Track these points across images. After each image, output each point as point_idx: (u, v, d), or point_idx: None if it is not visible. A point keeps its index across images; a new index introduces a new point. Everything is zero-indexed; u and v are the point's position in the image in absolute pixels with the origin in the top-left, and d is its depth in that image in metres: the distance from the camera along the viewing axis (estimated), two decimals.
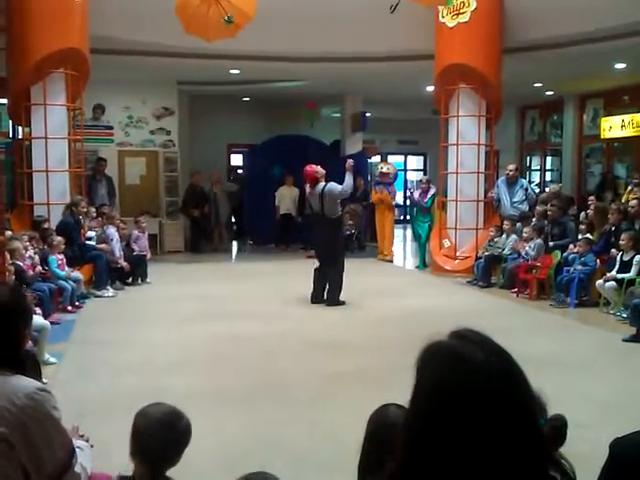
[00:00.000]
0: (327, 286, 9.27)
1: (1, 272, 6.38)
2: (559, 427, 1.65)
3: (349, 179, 9.13)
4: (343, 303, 9.20)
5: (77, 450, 2.22)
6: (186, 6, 7.80)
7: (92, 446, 2.60)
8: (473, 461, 1.16)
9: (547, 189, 15.29)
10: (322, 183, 9.16)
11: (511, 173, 11.93)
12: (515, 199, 11.77)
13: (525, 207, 11.69)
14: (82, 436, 2.60)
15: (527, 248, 10.35)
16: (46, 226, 9.81)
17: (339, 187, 9.11)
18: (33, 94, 10.50)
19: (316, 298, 9.26)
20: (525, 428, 1.19)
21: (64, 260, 9.23)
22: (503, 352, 1.25)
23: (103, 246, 10.50)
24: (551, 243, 10.37)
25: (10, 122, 12.43)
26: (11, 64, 10.34)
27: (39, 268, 8.62)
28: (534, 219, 10.93)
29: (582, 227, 10.14)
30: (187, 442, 2.42)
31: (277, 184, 15.79)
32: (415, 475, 1.20)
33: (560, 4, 10.57)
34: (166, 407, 2.50)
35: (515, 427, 1.18)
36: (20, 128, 11.65)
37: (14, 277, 7.42)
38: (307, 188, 9.43)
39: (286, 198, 15.71)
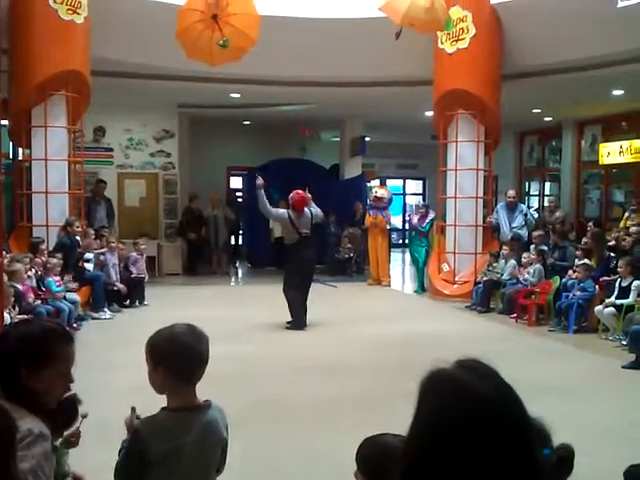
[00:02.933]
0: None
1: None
2: (566, 457, 1.63)
3: (316, 208, 9.42)
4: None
5: None
6: (188, 32, 7.80)
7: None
8: None
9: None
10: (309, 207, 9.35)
11: (510, 199, 12.00)
12: (514, 224, 11.81)
13: (524, 232, 11.72)
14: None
15: (526, 274, 10.35)
16: (43, 247, 9.81)
17: (320, 211, 9.52)
18: (34, 116, 10.54)
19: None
20: (523, 461, 1.18)
21: (61, 282, 9.21)
22: (505, 385, 1.24)
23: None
24: (550, 260, 10.40)
25: (10, 143, 12.46)
26: (12, 86, 10.38)
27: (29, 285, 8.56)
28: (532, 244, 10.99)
29: (578, 253, 10.13)
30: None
31: (276, 207, 15.77)
32: None
33: (558, 31, 10.65)
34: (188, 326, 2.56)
35: (513, 459, 1.17)
36: (20, 149, 11.68)
37: (13, 299, 7.42)
38: (291, 213, 9.27)
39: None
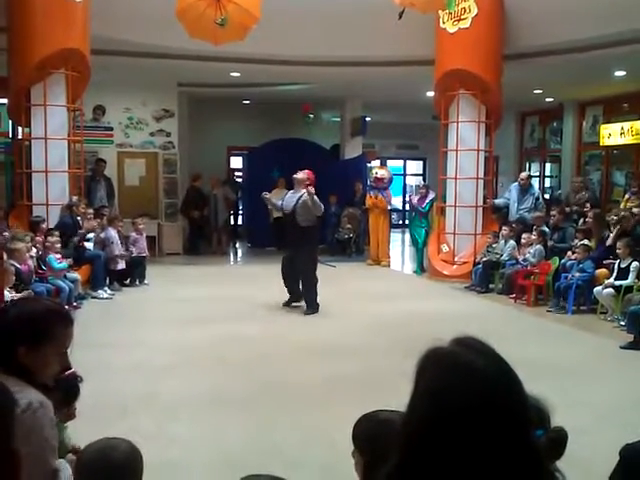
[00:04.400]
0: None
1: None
2: (557, 440, 1.64)
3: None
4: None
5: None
6: (189, 11, 7.70)
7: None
8: (468, 466, 1.16)
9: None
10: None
11: (523, 181, 12.17)
12: (522, 206, 11.86)
13: (529, 216, 11.73)
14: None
15: (527, 254, 10.36)
16: (44, 226, 9.81)
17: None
18: (33, 94, 10.50)
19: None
20: (519, 437, 1.20)
21: (62, 259, 9.23)
22: (502, 361, 1.25)
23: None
24: (550, 242, 10.42)
25: (10, 122, 12.43)
26: (12, 64, 10.34)
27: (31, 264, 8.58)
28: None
29: (578, 234, 10.15)
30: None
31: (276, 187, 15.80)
32: (411, 478, 1.20)
33: (561, 11, 10.58)
34: (103, 441, 2.27)
35: (509, 435, 1.18)
36: (20, 128, 11.65)
37: (14, 277, 7.44)
38: (312, 189, 9.00)
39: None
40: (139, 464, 2.22)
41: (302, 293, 9.23)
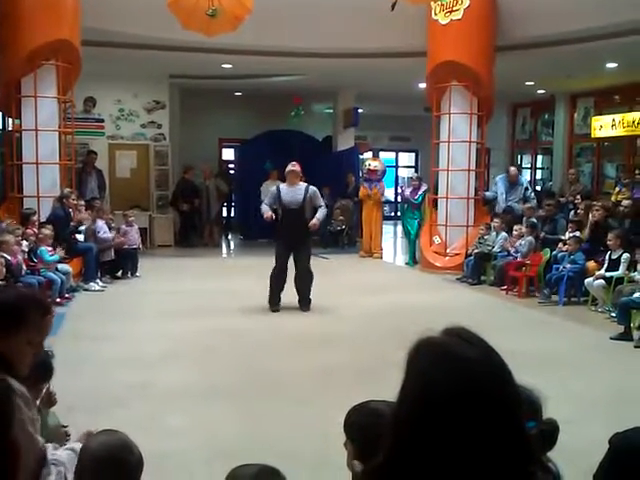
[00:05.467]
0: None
1: None
2: (549, 432, 1.65)
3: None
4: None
5: (56, 460, 2.18)
6: (182, 2, 7.64)
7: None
8: (457, 456, 1.17)
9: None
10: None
11: (512, 175, 12.27)
12: (511, 197, 11.91)
13: (519, 206, 11.78)
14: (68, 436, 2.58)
15: (518, 245, 10.40)
16: (34, 219, 9.78)
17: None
18: (24, 86, 10.44)
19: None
20: (509, 427, 1.21)
21: (53, 252, 9.21)
22: (493, 351, 1.26)
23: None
24: (542, 233, 10.47)
25: (0, 114, 12.36)
26: (2, 55, 10.26)
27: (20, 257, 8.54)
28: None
29: (571, 226, 10.19)
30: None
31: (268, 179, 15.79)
32: (401, 469, 1.21)
33: (553, 3, 10.59)
34: (115, 439, 2.18)
35: (499, 425, 1.19)
36: (10, 120, 11.59)
37: (4, 270, 7.42)
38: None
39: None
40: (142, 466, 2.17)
41: (303, 289, 8.80)
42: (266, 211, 8.66)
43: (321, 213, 8.69)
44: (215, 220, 15.98)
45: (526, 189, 12.13)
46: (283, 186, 8.78)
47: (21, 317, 2.17)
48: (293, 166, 8.77)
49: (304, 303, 8.79)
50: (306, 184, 8.75)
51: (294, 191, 8.65)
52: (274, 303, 8.72)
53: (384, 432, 1.27)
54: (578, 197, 11.72)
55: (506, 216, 11.43)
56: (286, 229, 8.59)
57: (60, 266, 9.26)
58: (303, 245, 8.73)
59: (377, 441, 1.29)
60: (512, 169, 12.63)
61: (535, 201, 11.98)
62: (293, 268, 8.79)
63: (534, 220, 10.81)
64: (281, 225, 8.72)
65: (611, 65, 13.06)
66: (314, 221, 8.58)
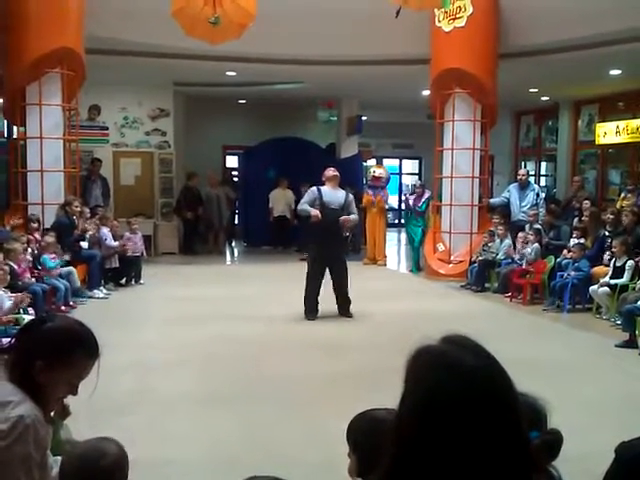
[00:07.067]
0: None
1: None
2: (552, 442, 1.63)
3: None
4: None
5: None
6: (186, 10, 7.69)
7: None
8: (458, 463, 1.16)
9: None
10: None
11: (521, 177, 12.20)
12: (524, 202, 11.83)
13: (532, 212, 11.72)
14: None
15: (525, 251, 10.36)
16: (35, 226, 9.81)
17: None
18: (28, 94, 10.49)
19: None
20: (508, 435, 1.20)
21: (56, 258, 9.22)
22: (492, 359, 1.25)
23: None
24: (545, 239, 10.43)
25: (5, 122, 12.40)
26: (7, 63, 10.32)
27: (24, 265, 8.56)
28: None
29: (575, 232, 10.16)
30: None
31: (272, 186, 15.82)
32: (404, 478, 1.21)
33: (556, 10, 10.58)
34: (87, 447, 2.19)
35: (500, 432, 1.18)
36: (15, 128, 11.63)
37: (9, 277, 7.42)
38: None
39: (280, 200, 15.75)
40: (125, 471, 2.14)
41: (342, 295, 8.92)
42: (312, 210, 8.66)
43: (354, 216, 8.93)
44: (226, 227, 16.01)
45: (537, 195, 12.04)
46: (324, 188, 8.87)
47: (70, 358, 2.15)
48: (334, 171, 8.94)
49: (343, 302, 8.90)
50: (344, 191, 8.93)
51: (335, 194, 8.82)
52: (311, 310, 8.71)
53: (385, 441, 1.27)
54: (586, 202, 11.65)
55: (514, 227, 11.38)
56: (325, 226, 8.57)
57: (63, 269, 9.26)
58: (343, 247, 9.12)
59: (378, 450, 1.28)
60: (521, 171, 12.64)
61: (544, 209, 11.94)
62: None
63: (539, 226, 10.79)
64: (320, 224, 8.65)
65: (615, 72, 13.06)
66: (346, 216, 8.73)
